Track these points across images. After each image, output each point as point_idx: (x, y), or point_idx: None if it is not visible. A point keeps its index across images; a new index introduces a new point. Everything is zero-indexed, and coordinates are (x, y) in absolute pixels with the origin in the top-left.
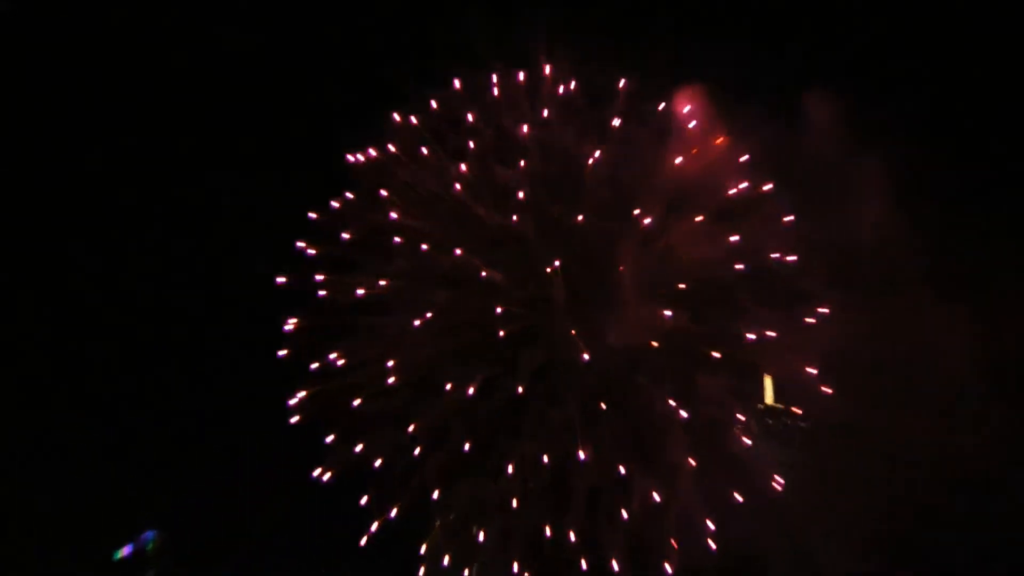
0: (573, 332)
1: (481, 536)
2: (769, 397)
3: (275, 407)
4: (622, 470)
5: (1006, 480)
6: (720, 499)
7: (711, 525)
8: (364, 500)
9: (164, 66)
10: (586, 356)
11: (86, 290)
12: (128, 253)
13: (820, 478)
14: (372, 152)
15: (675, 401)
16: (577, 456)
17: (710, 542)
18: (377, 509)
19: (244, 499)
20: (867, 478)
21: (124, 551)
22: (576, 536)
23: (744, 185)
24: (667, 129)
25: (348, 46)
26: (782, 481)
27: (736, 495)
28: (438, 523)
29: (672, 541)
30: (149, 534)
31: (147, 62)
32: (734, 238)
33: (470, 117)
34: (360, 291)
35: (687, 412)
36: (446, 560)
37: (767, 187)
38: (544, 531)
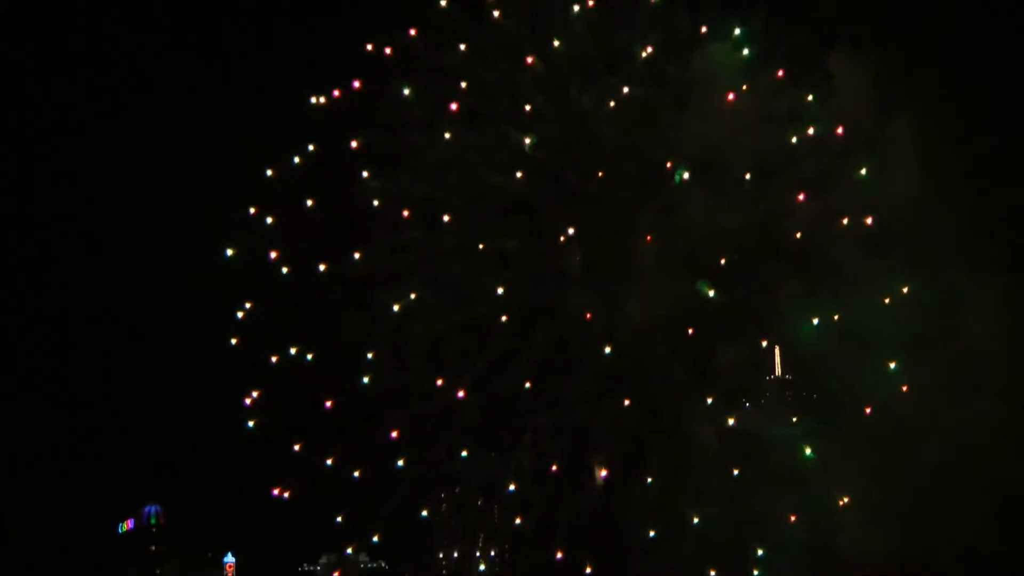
0: (589, 316)
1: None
2: (778, 368)
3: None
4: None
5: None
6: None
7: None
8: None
9: None
10: (608, 349)
11: None
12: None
13: (833, 452)
14: (336, 93)
15: (692, 374)
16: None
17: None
18: (353, 530)
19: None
20: (883, 455)
21: (127, 524)
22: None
23: (810, 131)
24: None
25: None
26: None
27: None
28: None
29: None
30: (150, 508)
31: None
32: (800, 197)
33: (462, 47)
34: (322, 267)
35: (704, 385)
36: None
37: (839, 130)
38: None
